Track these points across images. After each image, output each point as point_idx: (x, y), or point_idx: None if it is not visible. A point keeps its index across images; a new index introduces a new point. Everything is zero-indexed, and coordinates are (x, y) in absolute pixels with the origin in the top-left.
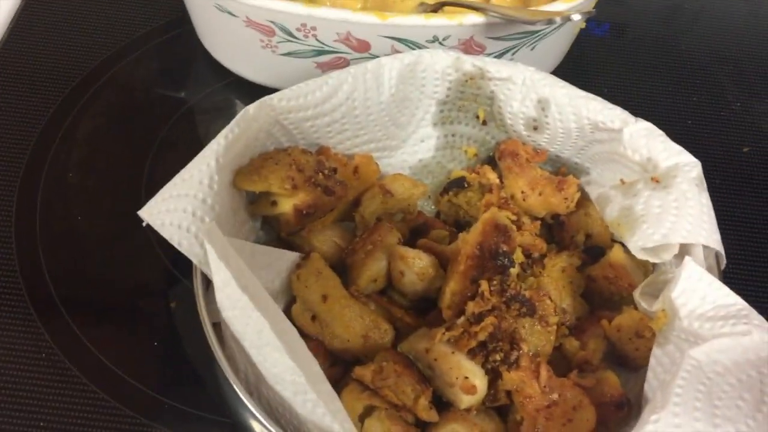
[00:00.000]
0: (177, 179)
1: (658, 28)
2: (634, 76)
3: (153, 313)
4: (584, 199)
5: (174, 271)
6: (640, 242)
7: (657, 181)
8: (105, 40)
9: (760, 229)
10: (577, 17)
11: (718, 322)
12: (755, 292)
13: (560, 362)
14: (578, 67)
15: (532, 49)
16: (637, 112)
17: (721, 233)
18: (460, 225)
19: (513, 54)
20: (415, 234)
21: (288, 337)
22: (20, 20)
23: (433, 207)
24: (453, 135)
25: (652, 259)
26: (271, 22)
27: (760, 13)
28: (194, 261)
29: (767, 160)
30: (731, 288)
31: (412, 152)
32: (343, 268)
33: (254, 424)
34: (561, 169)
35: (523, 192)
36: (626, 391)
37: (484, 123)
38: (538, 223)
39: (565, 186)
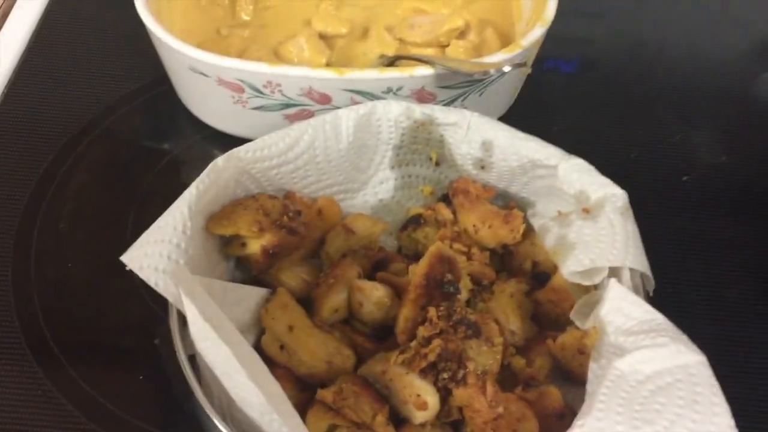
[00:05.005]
0: (154, 226)
1: (619, 65)
2: (585, 112)
3: (139, 350)
4: (530, 230)
5: (157, 310)
6: (571, 267)
7: (587, 212)
8: (93, 99)
9: (698, 251)
10: (508, 68)
11: (640, 335)
12: (690, 309)
13: (510, 379)
14: (532, 105)
15: (480, 95)
16: (582, 146)
17: (661, 256)
18: (420, 258)
19: (463, 100)
20: (377, 268)
21: (251, 362)
22: (15, 83)
23: (395, 242)
24: (410, 176)
25: (583, 282)
26: (240, 80)
27: (698, 52)
28: (170, 299)
29: (704, 187)
30: (668, 306)
31: (372, 193)
32: (310, 301)
33: None
34: (510, 204)
35: (474, 225)
36: (574, 403)
37: (437, 164)
38: (487, 253)
39: (511, 219)
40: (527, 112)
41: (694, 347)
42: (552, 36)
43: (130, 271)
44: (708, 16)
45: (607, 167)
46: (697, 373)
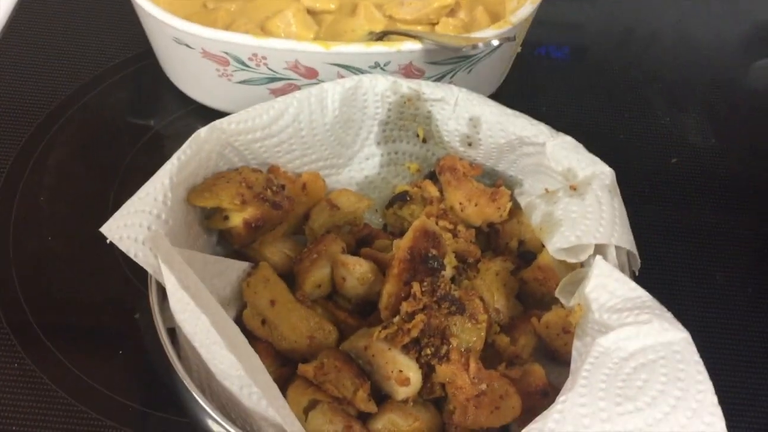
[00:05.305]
0: (134, 197)
1: (610, 51)
2: (574, 95)
3: (120, 325)
4: (517, 209)
5: (138, 285)
6: (557, 244)
7: (574, 189)
8: (76, 72)
9: (686, 232)
10: (496, 42)
11: (624, 313)
12: (677, 289)
13: (493, 357)
14: (522, 87)
15: (468, 72)
16: (570, 127)
17: (649, 236)
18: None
19: (451, 77)
20: (361, 244)
21: (230, 334)
22: None
23: (380, 220)
24: (396, 153)
25: (569, 259)
26: (225, 52)
27: (689, 38)
28: (149, 270)
29: (693, 169)
30: (655, 286)
31: (358, 169)
32: (292, 277)
33: (209, 421)
34: (497, 182)
35: (461, 203)
36: (558, 382)
37: (424, 141)
38: (473, 230)
39: (497, 197)
40: (516, 94)
41: (678, 324)
42: (544, 22)
43: (111, 245)
44: (699, 3)
45: (595, 149)
46: (681, 350)
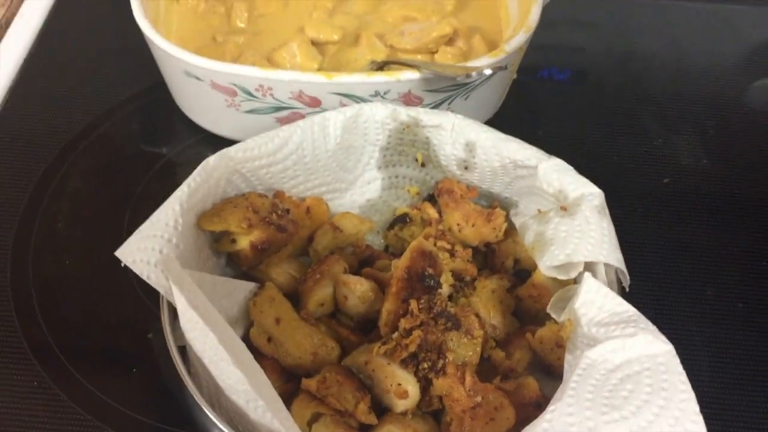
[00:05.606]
0: (147, 222)
1: (609, 73)
2: (571, 118)
3: (134, 345)
4: (512, 229)
5: (151, 306)
6: (548, 262)
7: (565, 210)
8: (93, 104)
9: (677, 251)
10: (489, 71)
11: (611, 326)
12: (668, 306)
13: (489, 371)
14: (521, 110)
15: (465, 99)
16: (566, 149)
17: (641, 255)
18: None
19: (449, 104)
20: (363, 265)
21: (237, 351)
22: (17, 89)
23: (382, 241)
24: (396, 176)
25: (560, 277)
26: (233, 84)
27: (686, 61)
28: (161, 292)
29: (685, 189)
30: (647, 303)
31: (360, 193)
32: (297, 296)
33: None
34: (493, 203)
35: (458, 224)
36: (552, 394)
37: (423, 165)
38: (470, 250)
39: (493, 218)
40: (515, 118)
41: (662, 337)
42: (547, 45)
43: (126, 269)
44: (698, 26)
45: (590, 170)
46: (665, 362)
